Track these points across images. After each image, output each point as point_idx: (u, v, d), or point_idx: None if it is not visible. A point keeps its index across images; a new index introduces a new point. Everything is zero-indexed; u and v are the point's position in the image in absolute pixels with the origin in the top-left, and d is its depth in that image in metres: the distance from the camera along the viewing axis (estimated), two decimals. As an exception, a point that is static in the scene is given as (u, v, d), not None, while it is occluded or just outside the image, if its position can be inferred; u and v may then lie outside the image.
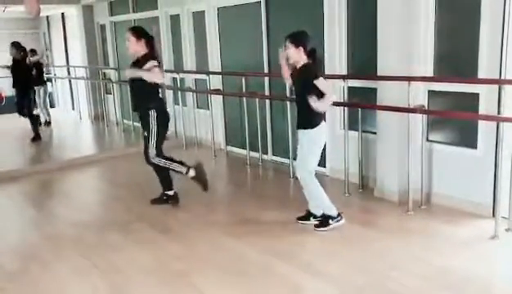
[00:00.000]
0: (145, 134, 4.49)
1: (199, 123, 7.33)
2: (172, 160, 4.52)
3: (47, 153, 7.85)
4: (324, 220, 3.94)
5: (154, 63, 4.34)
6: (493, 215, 3.77)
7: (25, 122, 8.43)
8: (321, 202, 3.93)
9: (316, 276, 3.22)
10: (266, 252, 3.56)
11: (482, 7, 3.86)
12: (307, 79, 3.69)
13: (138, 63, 4.42)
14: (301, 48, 3.71)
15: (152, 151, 4.44)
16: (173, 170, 4.54)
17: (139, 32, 4.48)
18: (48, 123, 9.83)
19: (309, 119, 3.77)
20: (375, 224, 4.08)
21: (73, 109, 11.83)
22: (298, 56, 3.75)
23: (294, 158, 5.47)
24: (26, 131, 8.43)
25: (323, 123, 3.85)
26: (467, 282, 3.07)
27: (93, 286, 3.29)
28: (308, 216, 4.07)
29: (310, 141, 3.80)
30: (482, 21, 3.88)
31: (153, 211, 4.59)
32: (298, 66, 3.80)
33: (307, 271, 3.29)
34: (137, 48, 4.41)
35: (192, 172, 4.54)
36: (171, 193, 4.67)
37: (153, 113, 4.40)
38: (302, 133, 3.85)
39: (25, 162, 7.37)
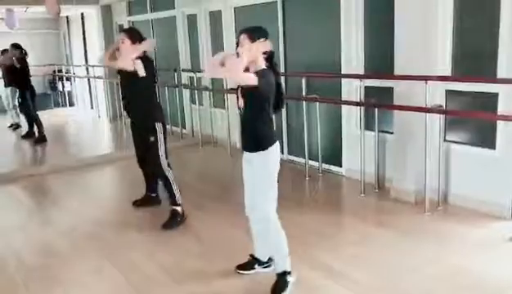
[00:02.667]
0: (148, 143, 4.26)
1: (216, 122, 7.38)
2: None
3: (64, 151, 7.97)
4: (281, 280, 3.00)
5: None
6: (512, 216, 3.73)
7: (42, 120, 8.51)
8: (279, 250, 2.99)
9: (330, 277, 3.22)
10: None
11: (502, 6, 3.81)
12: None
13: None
14: (255, 43, 2.87)
15: (164, 162, 4.24)
16: (173, 190, 4.27)
17: (133, 33, 4.28)
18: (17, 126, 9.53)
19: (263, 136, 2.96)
20: (391, 225, 4.05)
21: (91, 107, 12.01)
22: (255, 57, 2.87)
23: (310, 158, 5.52)
24: (46, 129, 8.58)
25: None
26: (483, 284, 3.04)
27: (112, 282, 3.36)
28: (252, 262, 3.30)
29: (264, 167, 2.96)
30: (502, 20, 3.83)
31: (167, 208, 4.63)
32: (253, 70, 2.87)
33: (319, 269, 3.30)
34: (133, 50, 4.14)
35: (180, 208, 4.28)
36: (180, 209, 4.31)
37: (159, 126, 4.25)
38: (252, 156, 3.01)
39: (42, 160, 7.53)
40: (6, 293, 3.28)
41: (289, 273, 3.00)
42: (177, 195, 4.26)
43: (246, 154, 3.03)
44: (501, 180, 3.92)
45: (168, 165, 4.29)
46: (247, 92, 2.88)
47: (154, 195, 4.75)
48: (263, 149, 2.92)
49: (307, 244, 3.72)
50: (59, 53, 13.66)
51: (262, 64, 2.89)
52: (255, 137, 2.95)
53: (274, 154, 2.96)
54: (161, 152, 4.24)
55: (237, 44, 2.91)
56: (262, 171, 2.94)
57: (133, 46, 4.16)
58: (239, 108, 2.98)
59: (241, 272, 3.29)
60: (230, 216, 4.33)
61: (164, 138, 4.28)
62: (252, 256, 3.29)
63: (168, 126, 4.65)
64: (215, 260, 3.54)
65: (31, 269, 3.61)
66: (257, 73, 2.80)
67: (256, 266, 3.28)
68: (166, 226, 4.17)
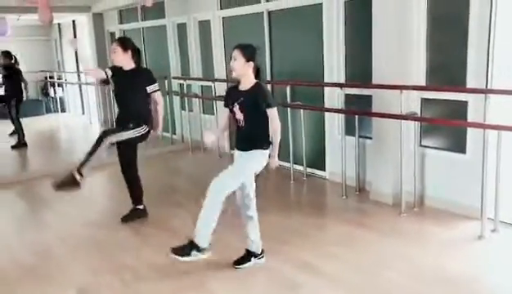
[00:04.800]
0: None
1: (205, 128, 7.58)
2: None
3: (56, 156, 8.14)
4: (187, 248, 3.24)
5: (156, 86, 4.47)
6: (481, 216, 3.99)
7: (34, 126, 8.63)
8: (207, 228, 3.20)
9: (312, 275, 3.43)
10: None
11: (470, 21, 4.09)
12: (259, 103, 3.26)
13: (127, 76, 4.38)
14: (251, 63, 3.25)
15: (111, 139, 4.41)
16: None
17: (126, 43, 4.43)
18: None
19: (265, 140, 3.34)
20: (370, 226, 4.29)
21: (83, 113, 12.16)
22: (244, 71, 3.25)
23: (295, 162, 5.76)
24: (31, 135, 8.70)
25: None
26: (455, 280, 3.28)
27: (106, 281, 3.54)
28: (248, 256, 3.55)
29: (251, 160, 3.31)
30: (470, 34, 4.11)
31: (161, 212, 4.83)
32: (248, 87, 3.28)
33: (304, 270, 3.51)
34: (124, 60, 4.36)
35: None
36: (141, 206, 4.67)
37: (144, 129, 4.46)
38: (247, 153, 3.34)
39: (34, 165, 7.68)
40: (3, 292, 3.46)
41: (199, 249, 3.21)
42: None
43: (241, 152, 3.35)
44: (472, 182, 4.18)
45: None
46: (247, 107, 3.25)
47: (141, 207, 4.73)
48: (261, 148, 3.31)
49: (289, 244, 3.94)
50: (51, 60, 13.80)
51: (253, 78, 3.29)
52: (257, 141, 3.31)
53: (264, 156, 3.33)
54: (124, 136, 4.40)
55: (231, 58, 3.28)
56: (247, 160, 3.30)
57: (125, 55, 4.37)
58: (238, 122, 3.31)
59: (239, 267, 3.51)
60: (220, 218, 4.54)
61: (140, 140, 4.52)
62: (247, 250, 3.54)
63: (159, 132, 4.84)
64: (207, 262, 3.73)
65: (26, 270, 3.79)
66: (268, 105, 3.25)
67: (252, 259, 3.54)
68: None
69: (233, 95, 3.35)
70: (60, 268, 3.79)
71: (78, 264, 3.85)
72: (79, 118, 12.02)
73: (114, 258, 3.90)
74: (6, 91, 8.58)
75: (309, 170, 5.83)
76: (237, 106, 3.27)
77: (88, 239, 4.33)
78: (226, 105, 3.43)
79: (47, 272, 3.73)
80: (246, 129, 3.30)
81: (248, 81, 3.28)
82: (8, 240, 4.46)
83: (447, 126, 4.50)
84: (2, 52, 8.58)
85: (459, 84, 4.27)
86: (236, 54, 3.24)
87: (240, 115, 3.28)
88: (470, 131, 4.24)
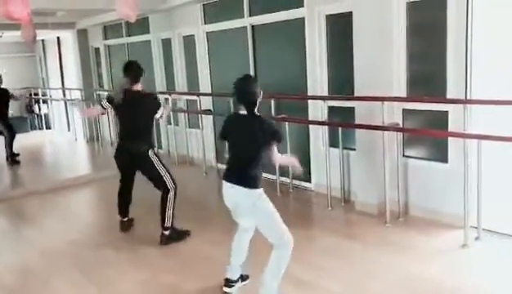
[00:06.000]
0: (152, 177, 4.39)
1: (191, 142, 7.60)
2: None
3: (41, 173, 8.06)
4: None
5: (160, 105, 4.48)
6: (464, 225, 4.03)
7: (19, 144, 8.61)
8: (277, 281, 3.11)
9: (297, 285, 3.44)
10: (249, 263, 3.77)
11: (448, 32, 4.19)
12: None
13: (131, 97, 4.34)
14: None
15: (172, 184, 4.37)
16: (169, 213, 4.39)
17: (139, 71, 4.47)
18: None
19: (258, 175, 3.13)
20: (356, 237, 4.32)
21: (68, 130, 12.07)
22: None
23: (281, 175, 5.77)
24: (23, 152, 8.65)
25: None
26: (439, 288, 3.31)
27: (89, 298, 3.51)
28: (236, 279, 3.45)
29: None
30: (448, 47, 4.21)
31: (145, 228, 4.80)
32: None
33: (289, 280, 3.50)
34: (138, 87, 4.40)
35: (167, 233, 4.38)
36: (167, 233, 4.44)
37: (152, 153, 4.39)
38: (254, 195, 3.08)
39: (19, 183, 7.60)
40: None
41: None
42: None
43: None
44: (454, 191, 4.23)
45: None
46: None
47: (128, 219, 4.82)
48: None
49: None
50: (35, 76, 13.72)
51: None
52: None
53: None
54: (167, 177, 4.38)
55: None
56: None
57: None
58: None
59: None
60: (205, 233, 4.55)
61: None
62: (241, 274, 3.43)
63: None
64: (189, 275, 3.73)
65: (11, 290, 3.73)
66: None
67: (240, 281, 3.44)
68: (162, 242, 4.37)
69: None
70: (41, 286, 3.74)
71: (60, 282, 3.80)
72: (65, 135, 11.93)
73: (98, 275, 3.87)
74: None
75: (295, 182, 5.86)
76: None
77: (71, 256, 4.28)
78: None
79: (27, 291, 3.68)
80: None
81: None
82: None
83: (429, 136, 4.57)
84: None
85: (439, 94, 4.35)
86: None
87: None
88: (451, 141, 4.31)
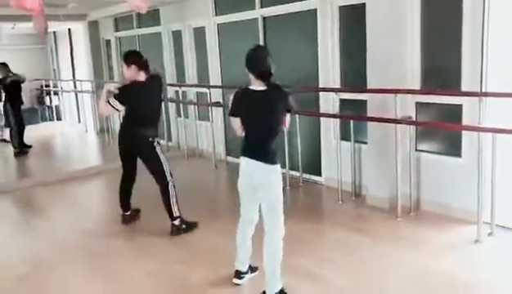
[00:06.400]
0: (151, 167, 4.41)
1: (201, 135, 7.58)
2: None
3: (51, 164, 8.13)
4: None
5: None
6: (478, 220, 3.97)
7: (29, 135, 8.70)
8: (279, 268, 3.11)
9: (309, 280, 3.41)
10: (258, 255, 3.75)
11: (464, 24, 4.11)
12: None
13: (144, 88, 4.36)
14: None
15: (170, 178, 4.39)
16: (174, 202, 4.41)
17: (127, 58, 4.38)
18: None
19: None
20: (367, 231, 4.27)
21: (79, 122, 12.12)
22: None
23: (291, 168, 5.73)
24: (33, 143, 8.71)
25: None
26: (451, 283, 3.26)
27: (97, 288, 3.51)
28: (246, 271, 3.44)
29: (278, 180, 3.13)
30: (464, 38, 4.12)
31: (154, 219, 4.79)
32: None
33: (298, 273, 3.49)
34: (131, 74, 4.33)
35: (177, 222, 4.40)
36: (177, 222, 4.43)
37: (157, 143, 4.42)
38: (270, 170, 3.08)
39: (29, 173, 7.65)
40: (-4, 301, 3.44)
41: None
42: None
43: None
44: (467, 186, 4.16)
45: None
46: None
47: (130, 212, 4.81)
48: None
49: (285, 250, 3.88)
50: (46, 68, 13.78)
51: None
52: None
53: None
54: (166, 168, 4.41)
55: None
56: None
57: (130, 70, 4.34)
58: None
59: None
60: (214, 224, 4.53)
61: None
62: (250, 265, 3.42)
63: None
64: (199, 265, 3.72)
65: (20, 279, 3.75)
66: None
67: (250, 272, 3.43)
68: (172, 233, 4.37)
69: None
70: (52, 276, 3.75)
71: (69, 271, 3.81)
72: (75, 127, 11.98)
73: (107, 265, 3.87)
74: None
75: (305, 175, 5.81)
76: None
77: (81, 247, 4.29)
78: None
79: (37, 280, 3.69)
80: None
81: None
82: (0, 248, 4.41)
83: (442, 130, 4.49)
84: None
85: (453, 88, 4.27)
86: None
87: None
88: (465, 135, 4.23)
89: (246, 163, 3.09)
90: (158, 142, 4.44)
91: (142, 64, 4.35)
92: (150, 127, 4.41)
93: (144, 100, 4.36)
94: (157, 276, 3.63)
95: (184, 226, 4.40)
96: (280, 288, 3.08)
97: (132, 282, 3.56)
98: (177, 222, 4.37)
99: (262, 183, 3.05)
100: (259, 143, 3.06)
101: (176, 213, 4.37)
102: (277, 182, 3.06)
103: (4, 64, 8.63)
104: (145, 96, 4.38)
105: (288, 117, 3.17)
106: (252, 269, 3.44)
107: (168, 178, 4.38)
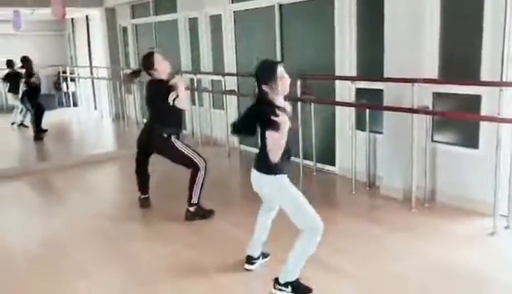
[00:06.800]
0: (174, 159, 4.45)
1: (215, 123, 7.58)
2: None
3: (68, 149, 8.26)
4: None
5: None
6: (494, 213, 3.90)
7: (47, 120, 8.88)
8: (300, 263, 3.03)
9: (319, 268, 3.39)
10: (275, 246, 3.75)
11: (485, 14, 4.01)
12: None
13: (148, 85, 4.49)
14: None
15: (203, 165, 4.39)
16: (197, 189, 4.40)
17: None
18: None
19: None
20: (380, 221, 4.24)
21: (95, 108, 12.24)
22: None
23: (305, 158, 5.70)
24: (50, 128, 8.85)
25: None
26: (463, 275, 3.22)
27: (110, 269, 3.56)
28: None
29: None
30: (485, 27, 4.03)
31: (170, 204, 4.83)
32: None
33: (315, 264, 3.47)
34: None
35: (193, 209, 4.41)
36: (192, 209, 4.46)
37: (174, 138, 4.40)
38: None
39: (46, 157, 7.78)
40: (12, 281, 3.48)
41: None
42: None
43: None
44: (484, 178, 4.11)
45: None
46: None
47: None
48: None
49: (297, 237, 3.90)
50: (64, 54, 13.92)
51: None
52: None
53: None
54: (194, 155, 4.43)
55: (275, 75, 2.89)
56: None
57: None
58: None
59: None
60: (227, 213, 4.54)
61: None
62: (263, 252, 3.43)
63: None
64: (211, 252, 3.73)
65: (35, 259, 3.81)
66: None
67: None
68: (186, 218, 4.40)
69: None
70: (67, 258, 3.81)
71: (85, 254, 3.86)
72: (91, 113, 12.11)
73: (121, 248, 3.91)
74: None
75: (319, 165, 5.78)
76: (286, 112, 2.94)
77: (97, 230, 4.34)
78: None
79: (53, 261, 3.75)
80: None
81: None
82: (18, 230, 4.50)
83: (460, 121, 4.42)
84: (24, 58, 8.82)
85: (473, 78, 4.19)
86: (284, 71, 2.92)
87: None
88: (483, 126, 4.16)
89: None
90: (176, 137, 4.41)
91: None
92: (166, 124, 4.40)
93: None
94: (170, 260, 3.66)
95: (200, 213, 4.41)
96: (294, 279, 3.05)
97: (146, 265, 3.59)
98: (192, 209, 4.39)
99: (262, 192, 3.11)
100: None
101: (194, 200, 4.39)
102: (282, 190, 2.99)
103: (27, 59, 8.79)
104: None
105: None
106: (264, 255, 3.44)
107: (200, 165, 4.37)
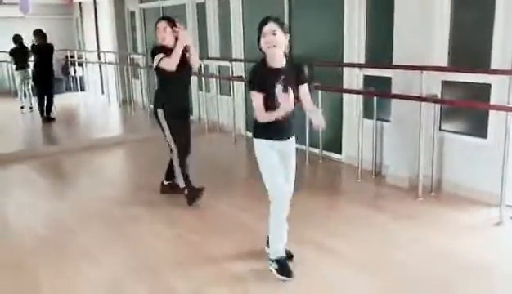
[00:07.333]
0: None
1: (222, 109, 7.57)
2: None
3: (75, 133, 8.31)
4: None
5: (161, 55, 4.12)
6: (500, 203, 3.88)
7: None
8: (275, 234, 3.09)
9: (316, 249, 3.43)
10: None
11: (497, 1, 3.94)
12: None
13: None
14: (287, 36, 2.92)
15: (173, 146, 4.36)
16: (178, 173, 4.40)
17: (171, 20, 4.27)
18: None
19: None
20: (384, 208, 4.23)
21: (102, 93, 12.25)
22: (284, 46, 2.91)
23: (311, 145, 5.68)
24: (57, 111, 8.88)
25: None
26: (470, 266, 3.20)
27: (116, 251, 3.59)
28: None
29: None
30: (497, 14, 3.96)
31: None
32: (283, 63, 2.93)
33: (309, 244, 3.49)
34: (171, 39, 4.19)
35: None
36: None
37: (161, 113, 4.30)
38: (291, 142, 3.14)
39: (53, 140, 7.81)
40: (20, 263, 3.51)
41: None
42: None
43: (288, 142, 3.10)
44: (491, 168, 4.07)
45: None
46: (291, 87, 2.90)
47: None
48: None
49: (299, 223, 3.88)
50: (71, 39, 13.90)
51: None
52: (293, 124, 3.10)
53: None
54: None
55: (260, 32, 2.87)
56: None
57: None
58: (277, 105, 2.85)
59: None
60: (233, 199, 4.56)
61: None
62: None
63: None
64: (215, 237, 3.75)
65: (43, 241, 3.85)
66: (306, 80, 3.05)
67: None
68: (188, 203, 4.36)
69: (268, 75, 2.87)
70: (73, 239, 3.84)
71: (90, 235, 3.90)
72: (98, 97, 12.12)
73: (126, 230, 3.94)
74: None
75: (325, 153, 5.76)
76: (280, 87, 2.86)
77: (104, 213, 4.37)
78: (261, 89, 2.85)
79: (59, 243, 3.79)
80: (291, 112, 2.92)
81: (282, 57, 2.90)
82: (25, 212, 4.54)
83: (468, 110, 4.37)
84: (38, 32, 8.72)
85: (482, 67, 4.13)
86: (276, 28, 2.81)
87: (293, 99, 2.88)
88: (492, 116, 4.11)
89: None
90: (164, 113, 4.26)
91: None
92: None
93: None
94: (175, 244, 3.68)
95: (186, 191, 4.34)
96: (274, 258, 3.04)
97: (151, 248, 3.62)
98: (186, 192, 4.38)
99: None
100: None
101: (181, 184, 4.36)
102: (257, 153, 3.05)
103: (41, 33, 8.73)
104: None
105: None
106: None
107: (172, 146, 4.31)
